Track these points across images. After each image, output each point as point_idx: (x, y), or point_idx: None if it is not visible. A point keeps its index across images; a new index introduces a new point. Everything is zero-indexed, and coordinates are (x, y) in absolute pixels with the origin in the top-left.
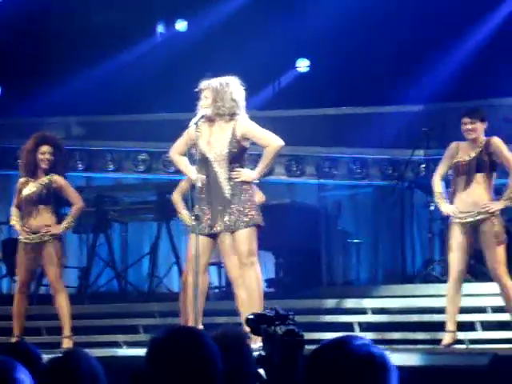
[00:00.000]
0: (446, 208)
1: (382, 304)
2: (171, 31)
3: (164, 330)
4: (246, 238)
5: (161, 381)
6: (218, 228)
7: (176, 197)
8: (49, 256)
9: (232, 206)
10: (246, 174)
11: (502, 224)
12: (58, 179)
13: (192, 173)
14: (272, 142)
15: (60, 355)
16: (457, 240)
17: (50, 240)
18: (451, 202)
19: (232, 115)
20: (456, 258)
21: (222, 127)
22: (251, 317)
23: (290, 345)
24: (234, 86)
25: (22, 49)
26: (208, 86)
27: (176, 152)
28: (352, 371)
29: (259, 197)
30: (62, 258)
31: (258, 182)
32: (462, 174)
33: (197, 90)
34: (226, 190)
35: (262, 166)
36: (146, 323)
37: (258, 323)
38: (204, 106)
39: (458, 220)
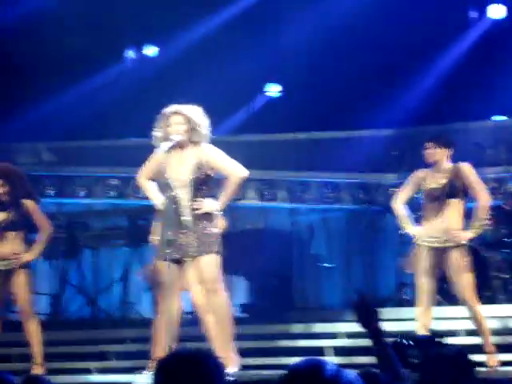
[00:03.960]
0: (411, 230)
1: (355, 328)
2: (141, 56)
3: (171, 354)
4: (208, 264)
5: None
6: (180, 255)
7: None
8: (19, 284)
9: (193, 232)
10: (208, 205)
11: (471, 252)
12: (27, 202)
13: (158, 200)
14: (235, 172)
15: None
16: (424, 264)
17: (19, 268)
18: (420, 226)
19: (197, 142)
20: (424, 283)
21: (187, 153)
22: (421, 337)
23: (464, 365)
24: (200, 114)
25: None
26: (181, 113)
27: (144, 176)
28: None
29: (221, 223)
30: (32, 286)
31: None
32: (434, 201)
33: (165, 113)
34: (187, 216)
35: (224, 198)
36: (118, 349)
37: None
38: (177, 132)
39: (425, 243)
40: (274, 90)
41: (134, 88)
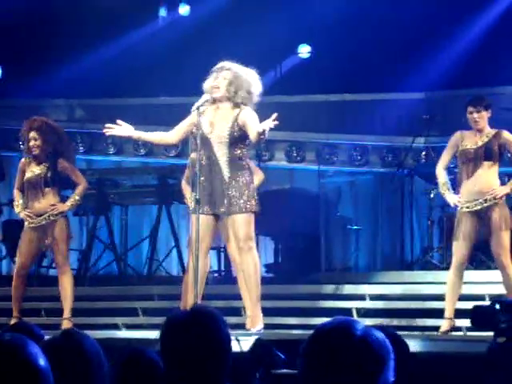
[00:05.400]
0: (451, 199)
1: (381, 290)
2: (174, 15)
3: (181, 311)
4: (243, 222)
5: (173, 360)
6: (217, 211)
7: (184, 185)
8: (57, 235)
9: (230, 189)
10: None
11: (508, 210)
12: (61, 161)
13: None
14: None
15: (61, 333)
16: (463, 229)
17: (56, 219)
18: (457, 191)
19: (240, 104)
20: (461, 247)
21: (227, 111)
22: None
23: None
24: (254, 79)
25: (24, 30)
26: (229, 69)
27: (174, 130)
28: (352, 356)
29: (259, 176)
30: (70, 238)
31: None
32: (469, 162)
33: (215, 68)
34: (225, 172)
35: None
36: (145, 306)
37: None
38: (217, 86)
39: (465, 209)
40: (305, 51)
41: (165, 47)
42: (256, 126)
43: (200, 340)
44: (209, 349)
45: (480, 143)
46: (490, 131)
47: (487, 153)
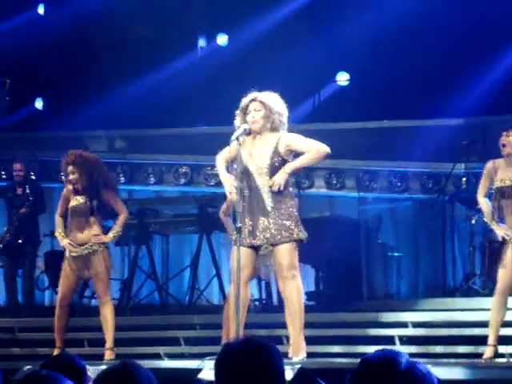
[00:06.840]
0: (500, 230)
1: (423, 317)
2: (212, 45)
3: (235, 342)
4: (286, 251)
5: None
6: (259, 241)
7: (223, 217)
8: (98, 266)
9: (273, 219)
10: (279, 178)
11: None
12: (104, 191)
13: (228, 184)
14: (319, 146)
15: (116, 364)
16: (506, 256)
17: (98, 250)
18: (502, 221)
19: (275, 129)
20: (506, 274)
21: (266, 140)
22: None
23: None
24: (278, 100)
25: (65, 63)
26: (260, 99)
27: (221, 158)
28: None
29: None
30: (110, 269)
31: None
32: (505, 197)
33: (244, 101)
34: (268, 202)
35: (297, 162)
36: (187, 335)
37: None
38: (255, 119)
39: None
40: (343, 78)
41: (204, 77)
42: (302, 146)
43: (255, 372)
44: (263, 381)
45: None
46: None
47: None
